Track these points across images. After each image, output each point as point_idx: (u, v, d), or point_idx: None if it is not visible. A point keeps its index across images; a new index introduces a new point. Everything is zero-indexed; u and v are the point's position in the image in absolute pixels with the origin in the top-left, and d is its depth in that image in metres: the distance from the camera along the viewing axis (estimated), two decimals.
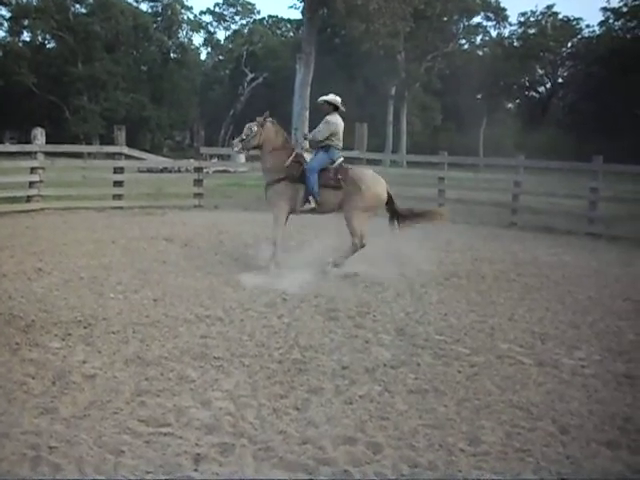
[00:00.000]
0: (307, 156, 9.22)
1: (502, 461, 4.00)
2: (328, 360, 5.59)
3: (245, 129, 9.31)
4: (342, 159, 9.32)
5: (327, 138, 9.09)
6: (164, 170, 24.08)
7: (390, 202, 9.28)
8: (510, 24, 55.94)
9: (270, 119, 9.27)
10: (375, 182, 9.15)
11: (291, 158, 9.09)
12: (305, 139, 9.69)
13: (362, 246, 9.00)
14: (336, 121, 9.17)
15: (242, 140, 9.24)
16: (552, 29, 54.09)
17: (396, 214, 9.33)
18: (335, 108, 9.26)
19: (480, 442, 4.21)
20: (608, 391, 5.15)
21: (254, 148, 9.35)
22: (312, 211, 9.18)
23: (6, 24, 52.63)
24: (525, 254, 11.21)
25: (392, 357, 5.72)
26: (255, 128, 9.18)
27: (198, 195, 16.53)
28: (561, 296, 8.22)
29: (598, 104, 46.46)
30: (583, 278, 9.42)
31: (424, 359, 5.71)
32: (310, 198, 8.99)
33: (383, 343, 6.11)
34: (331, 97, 9.36)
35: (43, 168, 14.96)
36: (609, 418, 4.63)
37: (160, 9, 59.10)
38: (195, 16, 64.44)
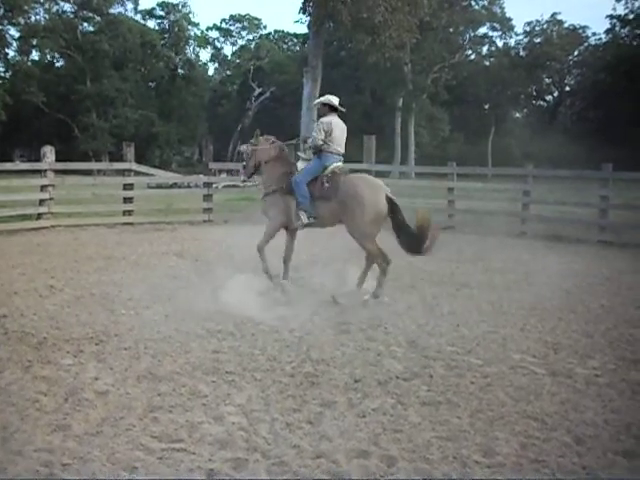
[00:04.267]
0: (300, 165, 8.52)
1: (517, 472, 3.97)
2: (340, 373, 5.58)
3: (243, 154, 9.15)
4: (337, 164, 8.33)
5: (324, 142, 8.25)
6: (173, 186, 24.17)
7: (395, 213, 8.02)
8: (516, 34, 56.09)
9: (261, 135, 8.94)
10: (372, 189, 8.03)
11: (284, 169, 8.57)
12: (306, 144, 8.87)
13: (388, 263, 8.05)
14: (330, 121, 8.29)
15: (244, 167, 9.13)
16: (558, 38, 54.13)
17: (402, 229, 8.05)
18: (332, 109, 8.42)
19: (494, 453, 4.19)
20: (623, 400, 5.11)
21: (256, 169, 8.98)
22: (310, 226, 8.40)
23: (15, 43, 53.17)
24: (536, 263, 11.15)
25: (404, 369, 5.70)
26: (248, 148, 8.97)
27: (208, 210, 16.57)
28: (573, 305, 8.17)
29: (606, 112, 46.44)
30: (595, 286, 9.37)
31: (436, 371, 5.68)
32: (301, 213, 8.26)
33: (395, 355, 6.09)
34: (325, 98, 8.60)
35: (53, 185, 15.04)
36: (625, 427, 4.59)
37: (167, 26, 59.55)
38: (202, 32, 64.95)
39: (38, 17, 52.79)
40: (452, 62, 52.99)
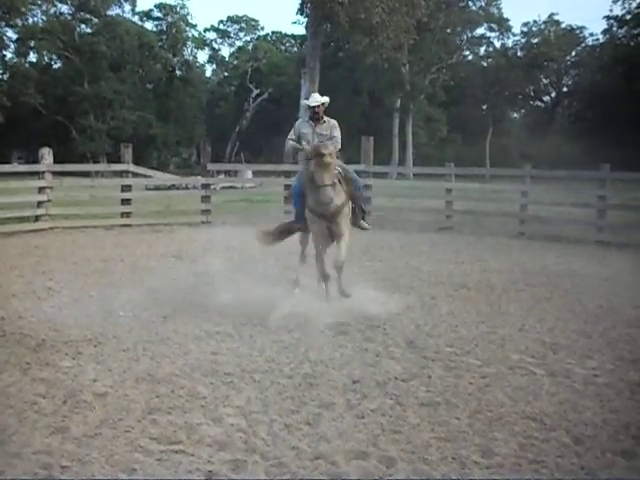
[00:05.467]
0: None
1: (516, 473, 3.97)
2: (339, 374, 5.57)
3: None
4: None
5: None
6: (171, 187, 24.15)
7: None
8: (513, 34, 56.05)
9: None
10: None
11: None
12: None
13: None
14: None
15: None
16: (555, 38, 54.14)
17: None
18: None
19: (493, 454, 4.18)
20: (622, 400, 5.12)
21: None
22: None
23: (13, 45, 53.07)
24: (534, 264, 11.17)
25: (403, 370, 5.70)
26: None
27: (206, 212, 16.56)
28: (571, 305, 8.18)
29: (603, 112, 46.48)
30: (593, 286, 9.37)
31: (435, 371, 5.68)
32: None
33: (394, 356, 6.09)
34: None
35: (51, 187, 15.03)
36: (623, 427, 4.59)
37: (165, 27, 59.47)
38: (199, 33, 64.80)
39: (35, 19, 52.78)
40: (450, 63, 52.99)
